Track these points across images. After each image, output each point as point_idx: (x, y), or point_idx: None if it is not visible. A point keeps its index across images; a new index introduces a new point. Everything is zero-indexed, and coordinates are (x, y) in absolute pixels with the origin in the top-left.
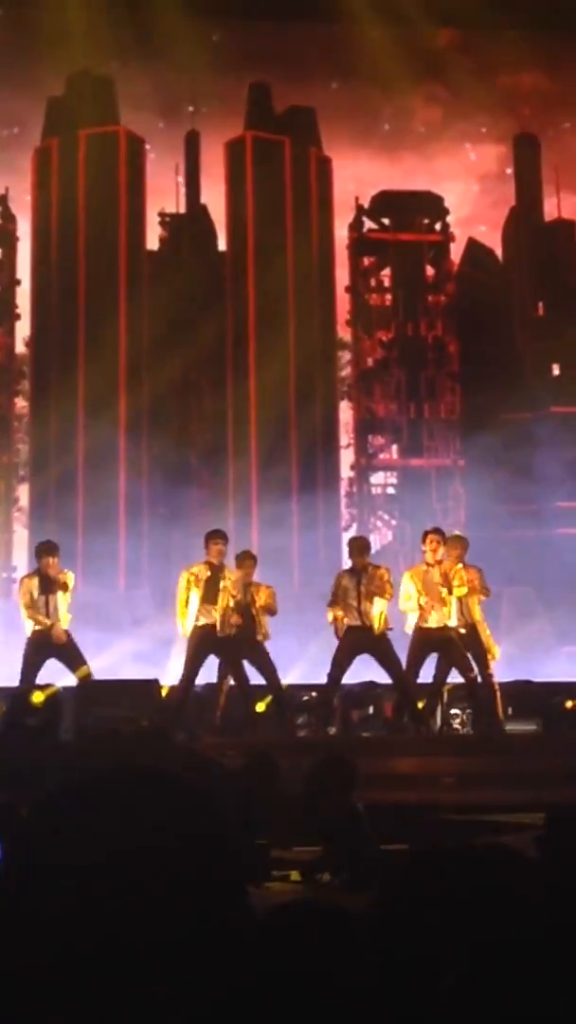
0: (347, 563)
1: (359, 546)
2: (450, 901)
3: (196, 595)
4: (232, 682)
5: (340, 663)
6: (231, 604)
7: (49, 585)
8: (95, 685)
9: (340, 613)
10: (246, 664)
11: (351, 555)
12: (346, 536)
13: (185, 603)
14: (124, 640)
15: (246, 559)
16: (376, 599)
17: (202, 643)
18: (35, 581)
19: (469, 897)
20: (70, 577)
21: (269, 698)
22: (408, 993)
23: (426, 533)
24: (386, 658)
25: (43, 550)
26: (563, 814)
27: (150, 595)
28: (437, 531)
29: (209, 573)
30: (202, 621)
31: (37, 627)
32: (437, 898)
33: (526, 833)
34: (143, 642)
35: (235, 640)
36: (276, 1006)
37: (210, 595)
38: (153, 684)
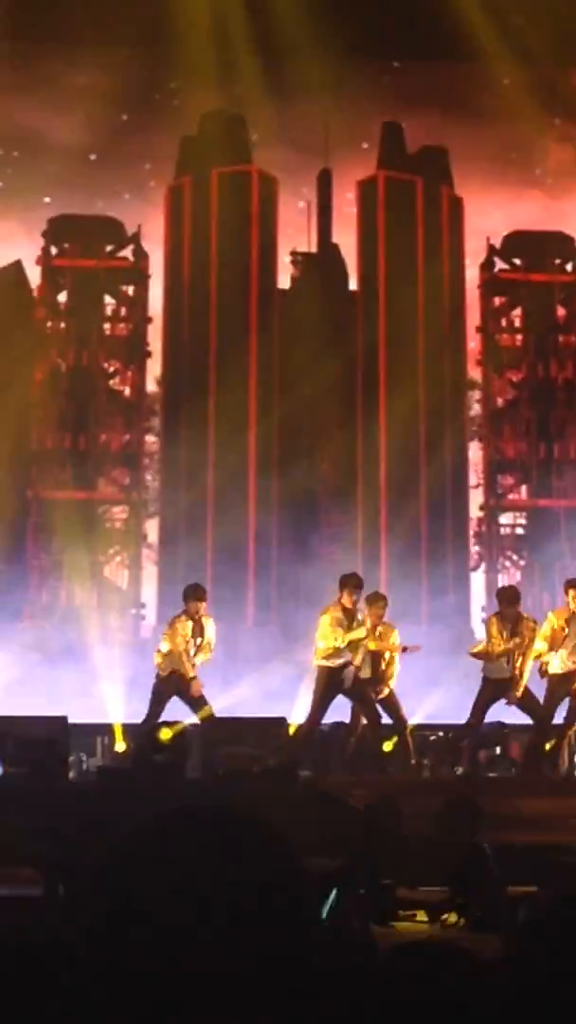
0: (479, 603)
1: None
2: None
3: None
4: (364, 720)
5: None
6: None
7: (199, 631)
8: (222, 723)
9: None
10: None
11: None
12: (475, 576)
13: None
14: (252, 676)
15: (378, 600)
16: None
17: (332, 682)
18: (188, 625)
19: None
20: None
21: (396, 738)
22: None
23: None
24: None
25: (197, 595)
26: None
27: (279, 632)
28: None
29: (341, 615)
30: (336, 662)
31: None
32: (559, 939)
33: None
34: (271, 679)
35: (365, 680)
36: None
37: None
38: (280, 722)
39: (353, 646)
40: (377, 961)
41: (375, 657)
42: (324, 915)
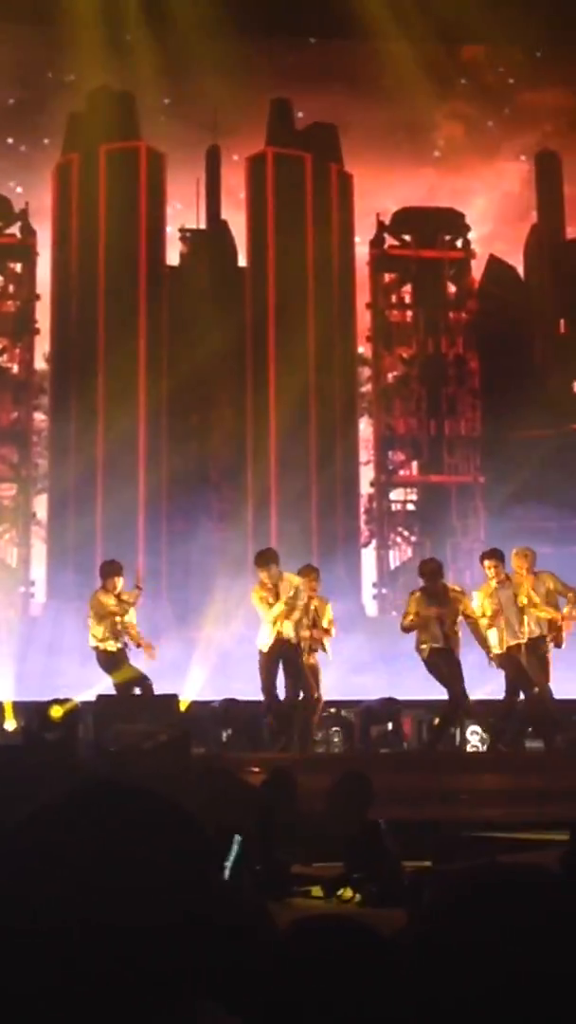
0: (370, 580)
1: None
2: (480, 920)
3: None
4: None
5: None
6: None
7: (123, 606)
8: (114, 700)
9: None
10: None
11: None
12: (365, 552)
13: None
14: (142, 653)
15: (310, 572)
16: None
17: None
18: (111, 598)
19: (500, 916)
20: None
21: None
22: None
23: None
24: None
25: (113, 570)
26: None
27: (169, 608)
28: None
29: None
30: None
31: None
32: (467, 917)
33: (550, 850)
34: (162, 655)
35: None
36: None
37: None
38: (172, 699)
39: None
40: (273, 937)
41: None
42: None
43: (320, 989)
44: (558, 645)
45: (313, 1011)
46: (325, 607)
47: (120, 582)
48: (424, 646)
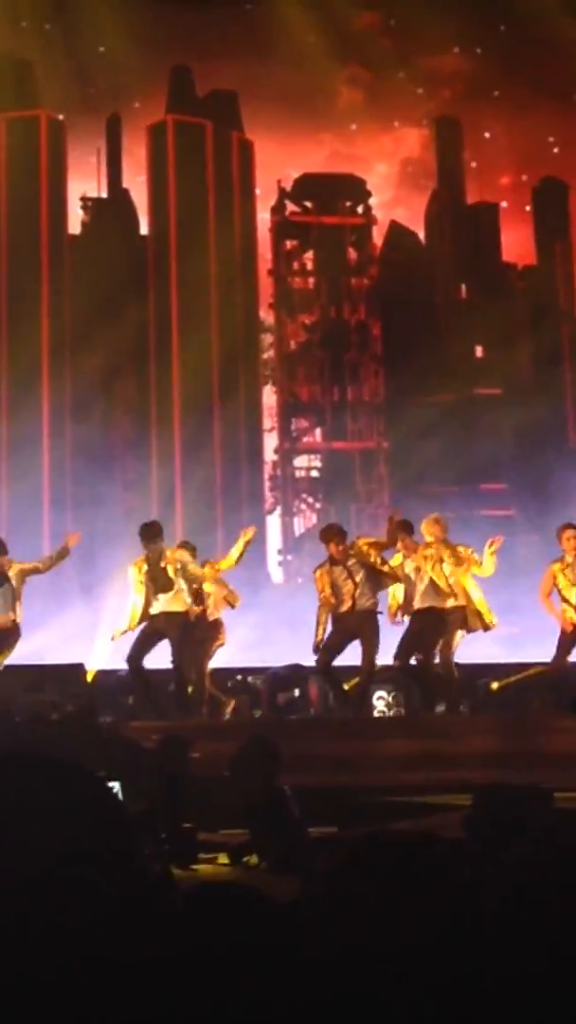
0: (276, 547)
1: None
2: (376, 886)
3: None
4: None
5: None
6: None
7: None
8: (19, 670)
9: None
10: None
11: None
12: (270, 519)
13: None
14: (49, 623)
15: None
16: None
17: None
18: None
19: (394, 882)
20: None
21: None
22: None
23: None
24: None
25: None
26: (489, 795)
27: (76, 581)
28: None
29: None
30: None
31: None
32: (364, 883)
33: (454, 814)
34: (67, 625)
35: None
36: (197, 985)
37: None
38: (78, 669)
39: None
40: (177, 904)
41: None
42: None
43: (217, 955)
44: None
45: (211, 975)
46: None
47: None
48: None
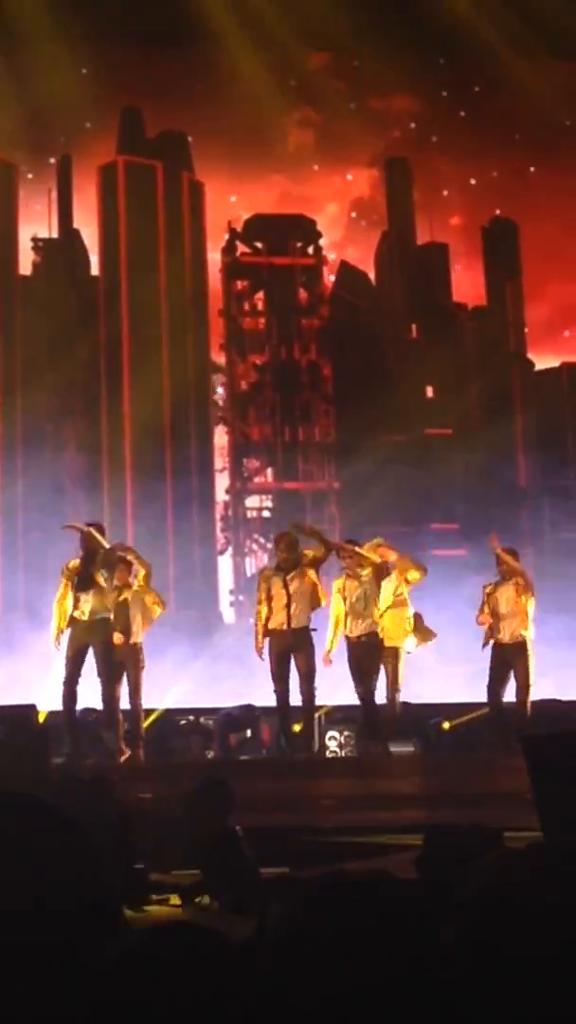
0: (227, 587)
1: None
2: (334, 926)
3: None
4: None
5: None
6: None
7: None
8: None
9: None
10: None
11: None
12: (222, 559)
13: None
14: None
15: None
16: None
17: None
18: None
19: (351, 923)
20: None
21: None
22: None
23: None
24: None
25: None
26: (441, 835)
27: (26, 618)
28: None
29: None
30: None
31: None
32: (321, 924)
33: (406, 854)
34: (19, 668)
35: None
36: None
37: None
38: (30, 709)
39: None
40: (129, 945)
41: None
42: None
43: (170, 994)
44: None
45: (163, 1015)
46: None
47: None
48: None
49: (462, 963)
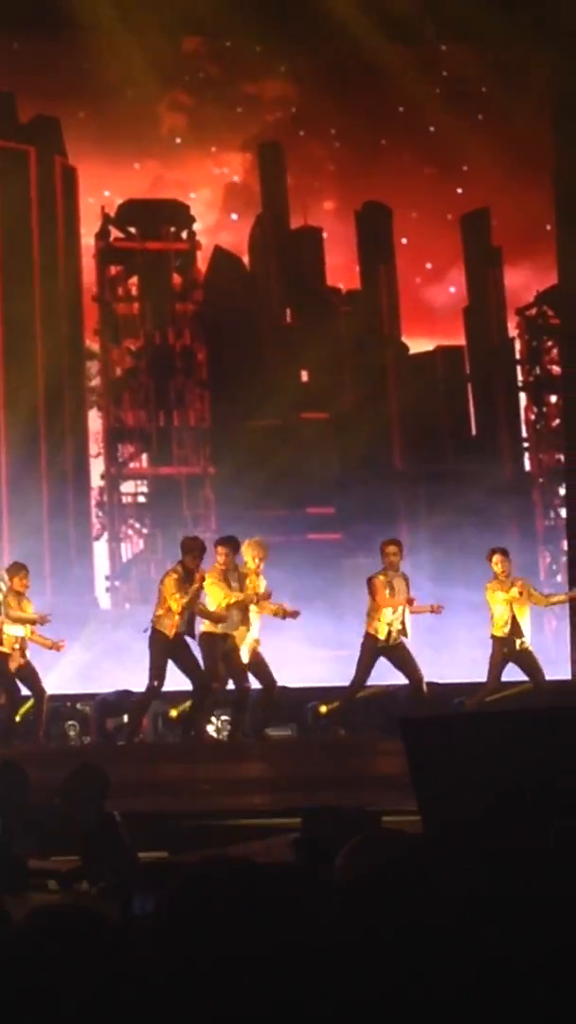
0: (103, 573)
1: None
2: (207, 910)
3: None
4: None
5: None
6: None
7: None
8: None
9: None
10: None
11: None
12: (97, 545)
13: None
14: None
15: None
16: None
17: None
18: None
19: (226, 905)
20: None
21: (28, 706)
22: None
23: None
24: None
25: None
26: (317, 819)
27: None
28: None
29: None
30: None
31: None
32: (194, 907)
33: (283, 838)
34: None
35: None
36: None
37: None
38: None
39: None
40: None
41: None
42: None
43: (53, 974)
44: None
45: (46, 996)
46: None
47: None
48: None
49: (339, 943)
